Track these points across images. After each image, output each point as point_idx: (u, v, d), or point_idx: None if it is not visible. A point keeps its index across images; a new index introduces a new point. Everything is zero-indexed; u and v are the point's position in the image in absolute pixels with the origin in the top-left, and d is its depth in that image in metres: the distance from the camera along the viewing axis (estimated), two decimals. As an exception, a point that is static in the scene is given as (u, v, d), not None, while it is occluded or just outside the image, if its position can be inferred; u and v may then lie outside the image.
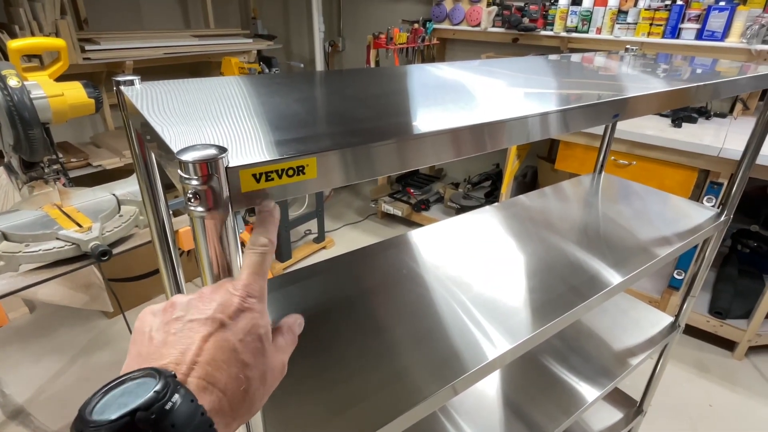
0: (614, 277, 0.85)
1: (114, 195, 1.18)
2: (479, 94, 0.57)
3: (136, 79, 0.55)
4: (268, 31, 3.30)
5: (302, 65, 3.43)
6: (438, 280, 0.83)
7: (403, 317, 0.73)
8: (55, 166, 1.17)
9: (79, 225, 1.04)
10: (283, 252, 2.37)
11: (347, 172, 0.36)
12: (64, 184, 1.21)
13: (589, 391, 1.05)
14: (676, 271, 1.92)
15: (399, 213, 2.77)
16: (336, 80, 0.65)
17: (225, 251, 0.32)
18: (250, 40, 2.84)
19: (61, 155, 1.21)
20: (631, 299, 1.40)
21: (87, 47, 2.10)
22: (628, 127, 1.81)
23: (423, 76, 0.69)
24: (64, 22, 1.95)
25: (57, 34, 1.96)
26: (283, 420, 0.54)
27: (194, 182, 0.29)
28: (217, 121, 0.42)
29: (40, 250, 0.97)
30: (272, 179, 0.32)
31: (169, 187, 0.68)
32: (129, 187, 1.24)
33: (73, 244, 1.00)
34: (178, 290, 0.70)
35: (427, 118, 0.45)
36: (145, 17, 2.87)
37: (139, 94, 0.51)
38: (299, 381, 0.60)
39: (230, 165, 0.30)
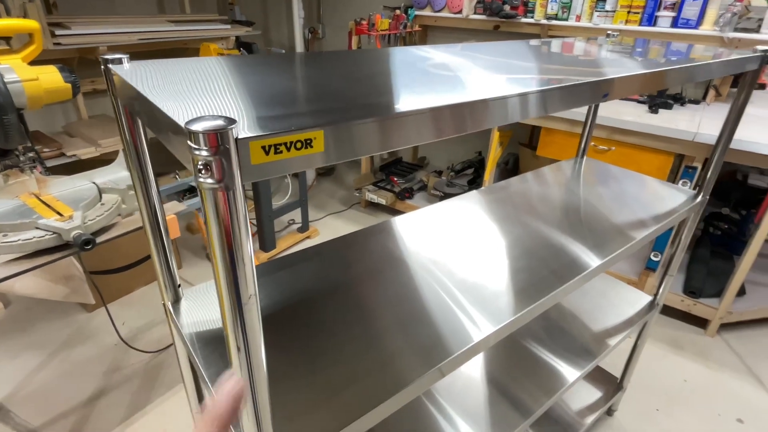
0: (594, 260, 0.88)
1: (94, 183, 1.15)
2: (468, 75, 0.58)
3: (124, 57, 0.53)
4: (246, 17, 3.23)
5: (283, 51, 3.37)
6: (423, 265, 0.84)
7: (390, 302, 0.73)
8: (30, 154, 1.13)
9: (59, 214, 1.01)
10: (267, 242, 2.35)
11: (353, 145, 0.36)
12: (40, 173, 1.17)
13: (570, 372, 1.08)
14: (652, 253, 1.98)
15: (383, 201, 2.78)
16: (324, 61, 0.65)
17: (235, 225, 0.32)
18: (228, 26, 2.77)
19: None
20: (612, 280, 1.45)
21: (57, 32, 2.01)
22: (608, 114, 1.85)
23: (409, 58, 0.69)
24: (33, 6, 1.86)
25: (25, 18, 1.88)
26: (276, 405, 0.54)
27: (204, 153, 0.28)
28: (214, 96, 0.41)
29: (19, 240, 0.94)
30: (281, 152, 0.32)
31: (158, 174, 0.66)
32: (109, 175, 1.21)
33: (54, 233, 0.97)
34: (171, 276, 0.69)
35: (428, 96, 0.45)
36: (117, 1, 2.77)
37: (130, 72, 0.50)
38: (291, 366, 0.60)
39: (240, 137, 0.29)
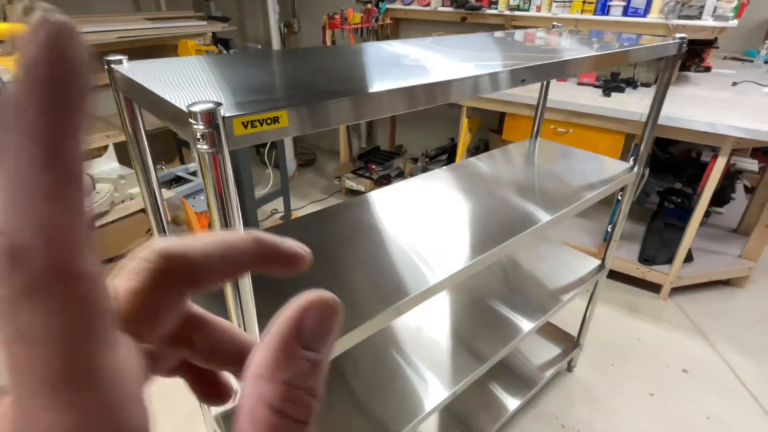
0: (544, 217, 1.02)
1: (87, 174, 1.24)
2: (426, 63, 0.71)
3: (123, 58, 0.64)
4: (222, 12, 3.29)
5: (259, 47, 3.44)
6: (391, 229, 0.97)
7: (360, 260, 0.86)
8: (27, 149, 1.22)
9: (59, 201, 1.11)
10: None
11: (312, 121, 0.48)
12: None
13: (525, 324, 1.23)
14: (609, 226, 2.15)
15: (362, 189, 2.90)
16: (298, 56, 0.77)
17: (224, 181, 0.44)
18: (205, 23, 2.84)
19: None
20: (570, 250, 1.60)
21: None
22: (565, 98, 2.00)
23: (374, 52, 0.81)
24: (12, 7, 1.92)
25: (5, 19, 1.93)
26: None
27: (201, 127, 0.40)
28: (203, 88, 0.53)
29: (24, 225, 1.04)
30: (256, 126, 0.44)
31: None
32: (102, 166, 1.30)
33: (56, 218, 1.07)
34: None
35: (376, 82, 0.58)
36: (93, 0, 2.81)
37: (130, 71, 0.61)
38: (272, 308, 0.72)
39: (226, 115, 0.42)
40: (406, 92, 0.55)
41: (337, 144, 3.16)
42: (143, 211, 1.29)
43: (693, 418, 1.56)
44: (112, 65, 0.63)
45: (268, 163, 2.67)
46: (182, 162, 2.50)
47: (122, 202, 1.23)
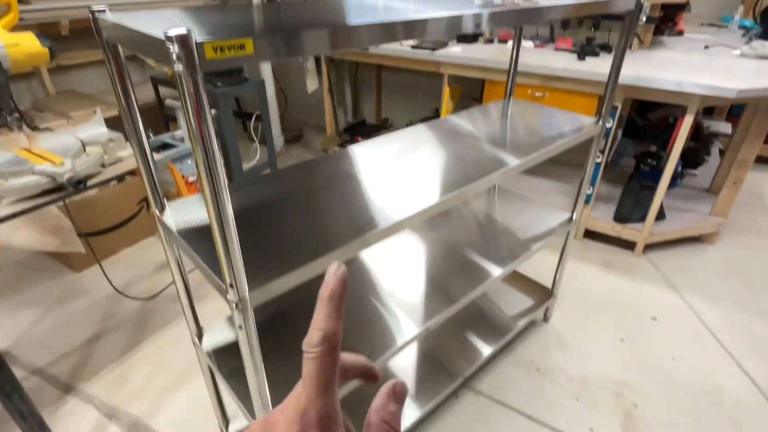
0: (513, 161, 1.09)
1: (77, 138, 1.30)
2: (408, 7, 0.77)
3: (106, 8, 0.70)
4: (204, -12, 3.28)
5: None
6: (368, 176, 1.04)
7: (336, 202, 0.94)
8: (16, 114, 1.27)
9: (51, 162, 1.16)
10: (240, 202, 2.51)
11: (275, 48, 0.55)
12: (25, 133, 1.31)
13: (497, 270, 1.31)
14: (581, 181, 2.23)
15: (348, 161, 2.95)
16: (278, 7, 0.82)
17: (199, 103, 0.51)
18: (187, -3, 2.84)
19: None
20: (544, 207, 1.68)
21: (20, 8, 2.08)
22: (541, 62, 2.06)
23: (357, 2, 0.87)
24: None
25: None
26: (249, 266, 0.74)
27: (176, 49, 0.47)
28: (180, 24, 0.59)
29: (19, 183, 1.10)
30: (224, 51, 0.50)
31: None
32: (89, 131, 1.35)
33: (49, 177, 1.13)
34: (157, 191, 0.87)
35: (342, 19, 0.64)
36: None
37: (113, 17, 0.67)
38: (259, 242, 0.80)
39: (198, 40, 0.48)
40: (381, 27, 0.61)
41: (324, 120, 3.21)
42: (132, 173, 1.35)
43: (660, 359, 1.67)
44: (96, 14, 0.69)
45: (255, 138, 2.72)
46: (170, 137, 2.54)
47: (112, 164, 1.28)
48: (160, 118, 2.62)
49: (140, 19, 0.66)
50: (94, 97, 2.63)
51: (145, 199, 2.33)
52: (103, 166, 1.30)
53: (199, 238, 0.81)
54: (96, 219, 2.09)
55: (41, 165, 1.14)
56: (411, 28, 0.68)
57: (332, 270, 0.26)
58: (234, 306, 0.66)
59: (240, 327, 0.69)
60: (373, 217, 0.87)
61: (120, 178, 2.23)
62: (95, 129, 1.35)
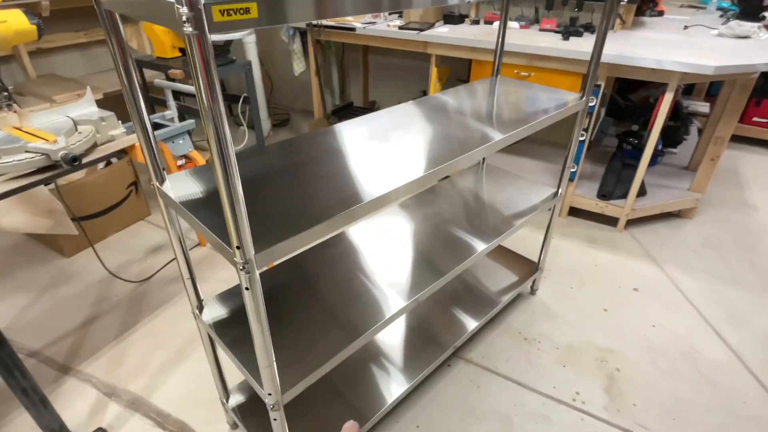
0: (497, 136, 1.13)
1: (69, 117, 1.29)
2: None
3: (105, -22, 0.70)
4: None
5: None
6: (354, 151, 1.07)
7: (322, 176, 0.96)
8: (5, 93, 1.26)
9: (44, 140, 1.16)
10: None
11: (278, 13, 0.57)
12: (15, 112, 1.30)
13: (485, 242, 1.36)
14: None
15: (337, 143, 2.96)
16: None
17: (206, 62, 0.53)
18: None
19: None
20: (531, 183, 1.73)
21: (-4, -13, 2.03)
22: (526, 42, 2.09)
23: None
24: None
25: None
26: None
27: (186, 11, 0.49)
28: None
29: (13, 161, 1.10)
30: (231, 15, 0.52)
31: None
32: (80, 110, 1.35)
33: (43, 154, 1.13)
34: (157, 163, 0.89)
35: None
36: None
37: (113, -13, 0.68)
38: (252, 220, 0.82)
39: (204, 2, 0.50)
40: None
41: (311, 104, 3.20)
42: (125, 151, 1.35)
43: (641, 326, 1.75)
44: (95, -16, 0.70)
45: (243, 121, 2.71)
46: (156, 121, 2.52)
47: (104, 143, 1.29)
48: (145, 100, 2.59)
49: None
50: (77, 81, 2.59)
51: (134, 183, 2.32)
52: (95, 145, 1.30)
53: (200, 208, 0.84)
54: (84, 204, 2.08)
55: (34, 143, 1.14)
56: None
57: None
58: (241, 267, 0.69)
59: (246, 288, 0.72)
60: (361, 190, 0.90)
61: (107, 162, 2.22)
62: (86, 108, 1.35)
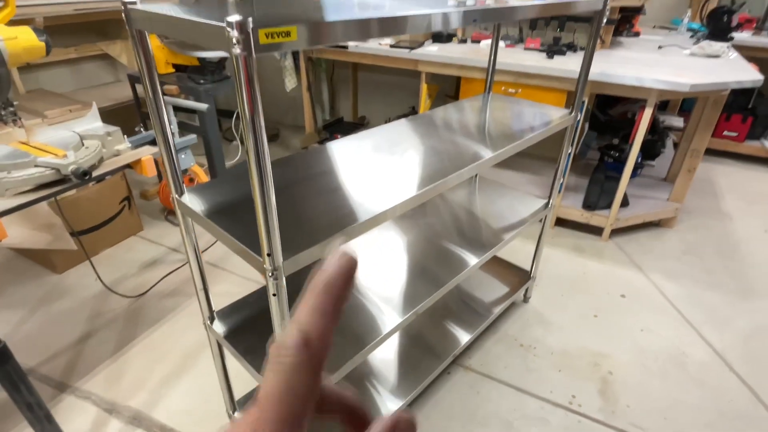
0: (488, 153, 1.19)
1: (75, 132, 1.31)
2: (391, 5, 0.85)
3: (137, 0, 0.74)
4: (177, -13, 3.26)
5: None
6: (349, 170, 1.11)
7: (318, 194, 0.99)
8: (11, 108, 1.26)
9: (53, 154, 1.17)
10: (224, 199, 2.52)
11: (314, 36, 0.61)
12: (21, 126, 1.31)
13: (480, 253, 1.41)
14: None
15: (328, 158, 3.01)
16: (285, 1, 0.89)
17: (252, 79, 0.57)
18: (162, -4, 2.82)
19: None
20: (522, 195, 1.80)
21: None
22: (513, 60, 2.19)
23: None
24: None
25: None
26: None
27: (236, 34, 0.53)
28: (219, 14, 0.65)
29: (23, 175, 1.11)
30: (274, 38, 0.57)
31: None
32: (86, 125, 1.36)
33: (53, 169, 1.14)
34: (177, 176, 0.92)
35: (364, 12, 0.71)
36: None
37: (147, 7, 0.72)
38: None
39: (252, 27, 0.54)
40: (386, 20, 0.69)
41: (300, 119, 3.25)
42: (130, 166, 1.37)
43: (629, 330, 1.82)
44: (128, 5, 0.73)
45: (235, 136, 2.73)
46: (148, 136, 2.52)
47: (111, 158, 1.30)
48: (137, 115, 2.60)
49: (171, 10, 0.71)
50: (67, 96, 2.58)
51: (127, 198, 2.31)
52: (102, 159, 1.31)
53: (222, 219, 0.86)
54: (78, 219, 2.06)
55: (43, 157, 1.15)
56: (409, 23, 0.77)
57: (336, 255, 0.20)
58: (270, 274, 0.72)
59: (274, 294, 0.75)
60: (352, 210, 0.92)
61: (100, 178, 2.21)
62: (91, 123, 1.36)
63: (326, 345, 0.18)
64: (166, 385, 1.55)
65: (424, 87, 2.50)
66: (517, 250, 2.27)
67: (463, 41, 2.66)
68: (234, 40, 0.53)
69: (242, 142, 2.96)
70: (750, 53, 2.87)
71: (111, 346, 1.71)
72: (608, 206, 2.37)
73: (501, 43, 2.57)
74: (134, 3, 0.74)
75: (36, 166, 1.14)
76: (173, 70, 2.45)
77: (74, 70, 2.93)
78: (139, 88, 2.62)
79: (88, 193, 2.09)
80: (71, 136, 1.29)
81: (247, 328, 1.09)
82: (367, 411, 0.22)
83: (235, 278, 2.08)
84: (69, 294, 1.97)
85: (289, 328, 0.18)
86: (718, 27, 2.72)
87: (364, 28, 0.69)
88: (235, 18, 0.53)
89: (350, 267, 0.19)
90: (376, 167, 1.11)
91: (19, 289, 1.99)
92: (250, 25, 0.54)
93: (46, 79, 2.81)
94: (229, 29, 0.53)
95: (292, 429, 0.17)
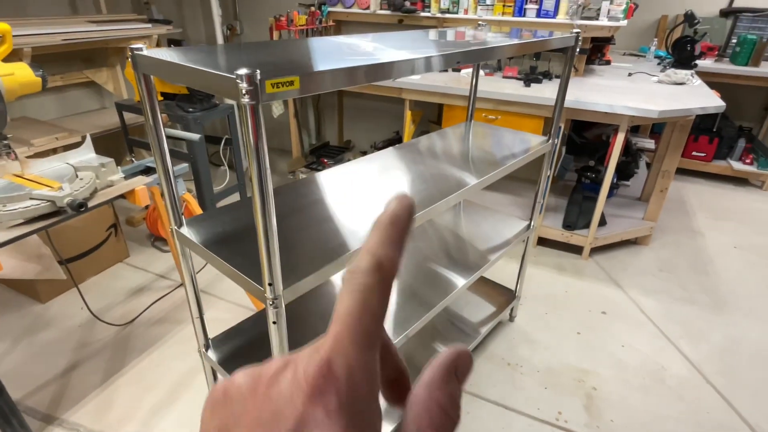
0: (473, 180, 1.25)
1: (69, 164, 1.33)
2: (382, 50, 0.91)
3: (143, 46, 0.79)
4: (163, 16, 3.32)
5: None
6: (337, 199, 1.16)
7: (308, 225, 1.04)
8: (5, 141, 1.28)
9: (48, 187, 1.19)
10: (211, 224, 2.54)
11: (314, 85, 0.67)
12: (14, 159, 1.32)
13: (467, 275, 1.46)
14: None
15: (315, 181, 3.05)
16: (269, 47, 0.94)
17: (258, 125, 0.62)
18: (149, 26, 2.88)
19: None
20: (505, 217, 1.87)
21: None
22: (492, 89, 2.29)
23: (324, 43, 1.00)
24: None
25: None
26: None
27: (245, 85, 0.58)
28: (225, 64, 0.70)
29: (18, 208, 1.13)
30: (279, 87, 0.62)
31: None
32: (79, 157, 1.39)
33: (48, 201, 1.16)
34: (176, 205, 0.95)
35: (348, 60, 0.77)
36: (28, 2, 2.75)
37: (153, 54, 0.76)
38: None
39: (260, 78, 0.60)
40: (379, 66, 0.75)
41: (286, 143, 3.30)
42: (124, 197, 1.39)
43: (611, 346, 1.88)
44: (135, 52, 0.78)
45: (223, 162, 2.77)
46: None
47: (105, 188, 1.33)
48: (124, 143, 2.61)
49: (172, 55, 0.76)
50: (52, 123, 2.58)
51: (114, 226, 2.31)
52: (96, 190, 1.33)
53: (221, 250, 0.90)
54: (65, 246, 2.05)
55: (39, 190, 1.17)
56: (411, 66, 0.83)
57: (396, 197, 0.21)
58: (270, 303, 0.76)
59: (274, 322, 0.78)
60: (344, 240, 0.96)
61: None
62: (85, 154, 1.39)
63: (395, 270, 0.19)
64: (157, 415, 1.54)
65: (408, 114, 2.59)
66: (501, 269, 2.33)
67: (444, 70, 2.76)
68: (243, 91, 0.58)
69: (230, 167, 2.98)
70: (712, 78, 3.06)
71: (99, 376, 1.70)
72: (587, 226, 2.47)
73: (480, 72, 2.69)
74: (140, 49, 0.79)
75: (31, 198, 1.16)
76: (161, 98, 2.49)
77: (59, 97, 2.94)
78: (126, 116, 2.64)
79: (74, 221, 2.08)
80: (65, 168, 1.31)
81: (242, 355, 1.11)
82: (409, 379, 0.22)
83: (224, 304, 2.08)
84: (54, 324, 1.94)
85: (360, 255, 0.19)
86: (682, 55, 2.90)
87: (360, 74, 0.75)
88: (244, 71, 0.58)
89: (410, 204, 0.20)
90: (367, 195, 1.16)
91: (3, 319, 1.96)
92: (258, 77, 0.59)
93: (31, 106, 2.81)
94: (239, 81, 0.58)
95: (370, 341, 0.18)
